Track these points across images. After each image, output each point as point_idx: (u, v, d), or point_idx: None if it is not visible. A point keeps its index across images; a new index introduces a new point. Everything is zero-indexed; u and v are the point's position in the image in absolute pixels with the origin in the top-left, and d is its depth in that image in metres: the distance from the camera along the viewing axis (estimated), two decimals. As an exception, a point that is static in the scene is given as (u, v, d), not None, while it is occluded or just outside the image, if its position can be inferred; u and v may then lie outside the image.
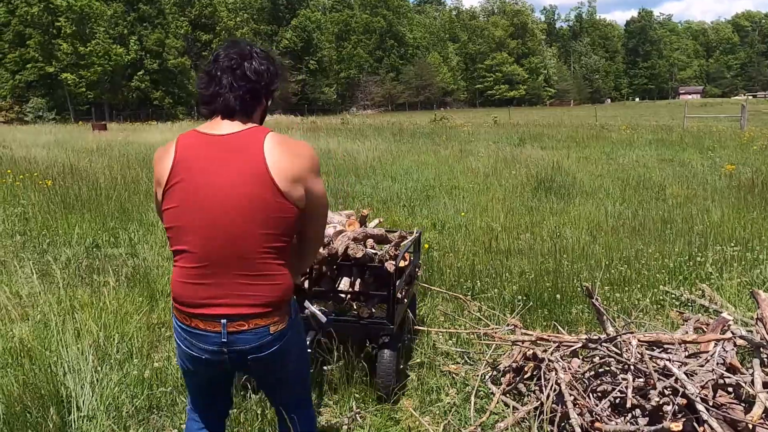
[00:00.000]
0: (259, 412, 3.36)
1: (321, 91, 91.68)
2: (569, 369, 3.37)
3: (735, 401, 3.01)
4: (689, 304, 5.07)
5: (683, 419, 2.81)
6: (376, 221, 4.74)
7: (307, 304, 3.09)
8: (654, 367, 3.04)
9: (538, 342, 3.74)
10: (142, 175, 12.09)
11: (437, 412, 3.63)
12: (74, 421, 3.32)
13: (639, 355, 3.11)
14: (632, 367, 3.07)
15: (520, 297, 5.26)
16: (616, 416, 3.05)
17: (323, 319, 3.24)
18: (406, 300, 4.10)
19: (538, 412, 3.28)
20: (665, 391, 2.89)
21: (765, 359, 3.25)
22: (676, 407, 2.83)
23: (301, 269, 2.56)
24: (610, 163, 14.81)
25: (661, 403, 2.88)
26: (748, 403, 3.01)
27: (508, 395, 3.67)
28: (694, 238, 6.98)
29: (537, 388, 3.52)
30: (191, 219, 2.12)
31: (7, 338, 4.23)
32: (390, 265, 3.62)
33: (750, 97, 68.96)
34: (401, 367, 3.92)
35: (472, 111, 79.21)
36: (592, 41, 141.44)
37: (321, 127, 29.06)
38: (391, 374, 3.64)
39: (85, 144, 20.43)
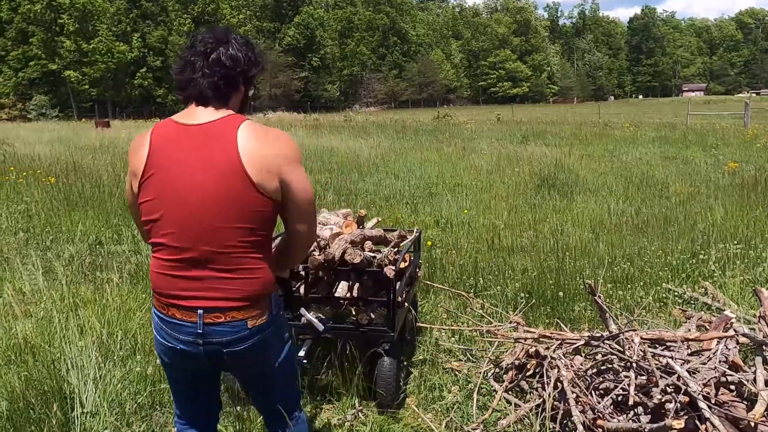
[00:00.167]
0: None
1: (324, 88, 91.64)
2: (572, 366, 3.37)
3: (737, 399, 3.01)
4: (692, 301, 5.07)
5: (685, 417, 2.81)
6: (374, 220, 4.55)
7: (303, 311, 2.97)
8: (656, 364, 3.04)
9: (541, 339, 3.74)
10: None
11: (440, 410, 3.63)
12: (77, 418, 3.33)
13: (641, 353, 3.11)
14: (635, 364, 3.07)
15: (522, 294, 5.26)
16: (619, 414, 3.05)
17: (320, 327, 3.12)
18: (406, 303, 3.97)
19: (540, 410, 3.28)
20: (667, 388, 2.89)
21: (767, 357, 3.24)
22: (679, 405, 2.82)
23: (288, 265, 2.51)
24: (613, 160, 14.79)
25: (663, 400, 2.88)
26: (751, 401, 3.01)
27: (510, 392, 3.68)
28: (696, 236, 6.97)
29: (539, 385, 3.52)
30: (167, 211, 2.09)
31: (10, 335, 4.24)
32: (389, 270, 3.47)
33: (753, 95, 68.83)
34: (402, 374, 3.80)
35: (476, 108, 79.15)
36: (596, 38, 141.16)
37: (324, 125, 29.04)
38: (391, 382, 3.52)
39: (88, 141, 20.45)
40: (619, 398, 3.11)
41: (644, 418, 2.93)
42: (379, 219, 4.57)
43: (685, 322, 4.23)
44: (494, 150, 16.96)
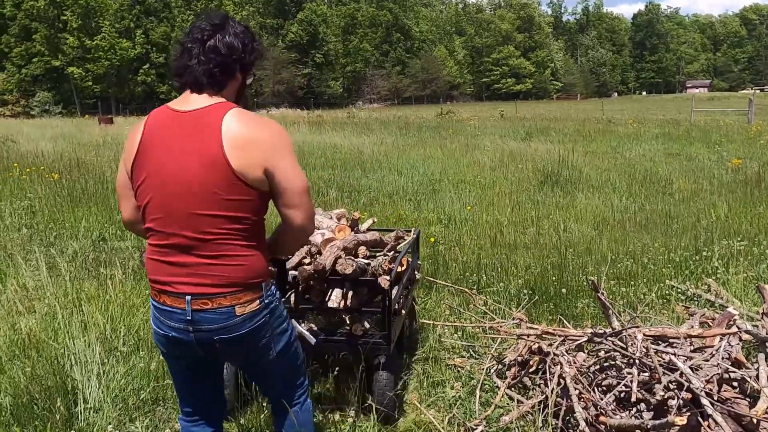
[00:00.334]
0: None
1: (327, 84, 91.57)
2: (574, 363, 3.37)
3: (740, 396, 3.01)
4: (695, 298, 5.06)
5: (688, 413, 2.81)
6: (369, 221, 4.30)
7: (294, 323, 2.84)
8: (659, 361, 3.04)
9: (544, 336, 3.74)
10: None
11: (442, 405, 3.63)
12: (81, 413, 3.35)
13: (644, 350, 3.11)
14: (637, 361, 3.07)
15: (525, 291, 5.26)
16: (621, 410, 3.05)
17: (312, 340, 3.06)
18: (404, 311, 3.78)
19: (542, 406, 3.28)
20: (670, 385, 2.89)
21: (771, 354, 3.24)
22: (681, 401, 2.82)
23: (283, 252, 2.52)
24: (616, 157, 14.76)
25: (665, 397, 2.88)
26: (753, 397, 3.01)
27: (513, 389, 3.68)
28: (700, 233, 6.96)
29: (542, 381, 3.52)
30: (154, 196, 2.11)
31: (15, 330, 4.25)
32: (384, 281, 3.26)
33: (758, 91, 68.64)
34: (400, 384, 3.62)
35: (479, 105, 79.01)
36: (599, 35, 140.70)
37: (327, 121, 29.03)
38: (388, 396, 3.35)
39: (92, 138, 20.49)
40: (622, 395, 3.11)
41: (647, 415, 2.93)
42: (375, 220, 4.39)
43: (688, 319, 4.23)
44: (497, 147, 16.94)
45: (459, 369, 4.05)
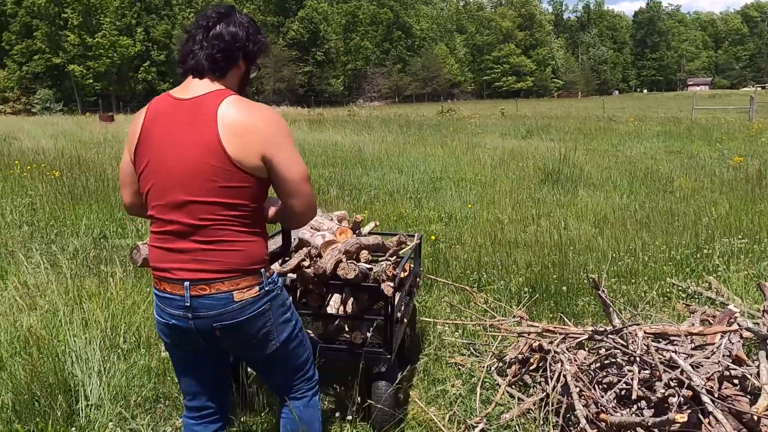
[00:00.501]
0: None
1: (328, 82, 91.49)
2: (575, 361, 3.37)
3: (740, 393, 3.01)
4: (696, 296, 5.06)
5: (688, 411, 2.81)
6: (371, 225, 4.20)
7: None
8: (660, 358, 3.04)
9: (544, 334, 3.74)
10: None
11: (443, 403, 3.64)
12: (82, 410, 3.35)
13: (645, 347, 3.11)
14: (638, 358, 3.07)
15: (526, 289, 5.26)
16: (622, 408, 3.05)
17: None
18: (405, 319, 3.66)
19: (543, 404, 3.28)
20: (671, 382, 2.89)
21: (771, 351, 3.24)
22: (682, 399, 2.82)
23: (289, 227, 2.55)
24: (617, 155, 14.76)
25: (666, 394, 2.88)
26: (754, 395, 3.01)
27: (513, 386, 3.68)
28: (701, 230, 6.96)
29: (543, 379, 3.53)
30: (155, 184, 2.13)
31: (16, 327, 4.25)
32: (388, 288, 3.14)
33: (759, 89, 68.51)
34: (401, 395, 3.54)
35: (480, 103, 78.97)
36: (600, 32, 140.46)
37: (328, 119, 29.02)
38: (388, 407, 3.25)
39: (93, 135, 20.49)
40: (623, 392, 3.11)
41: (647, 412, 2.93)
42: (377, 223, 4.31)
43: (689, 317, 4.23)
44: (498, 144, 16.94)
45: (460, 367, 4.05)
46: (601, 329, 3.40)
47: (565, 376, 3.22)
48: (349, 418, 3.26)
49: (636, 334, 3.21)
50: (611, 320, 3.78)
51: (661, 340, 3.35)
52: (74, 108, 61.49)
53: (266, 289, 2.21)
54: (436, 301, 5.18)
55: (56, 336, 4.06)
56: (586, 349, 3.61)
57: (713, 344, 3.25)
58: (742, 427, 2.83)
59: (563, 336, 3.58)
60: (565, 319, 4.46)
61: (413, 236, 4.16)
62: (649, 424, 2.75)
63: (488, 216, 8.32)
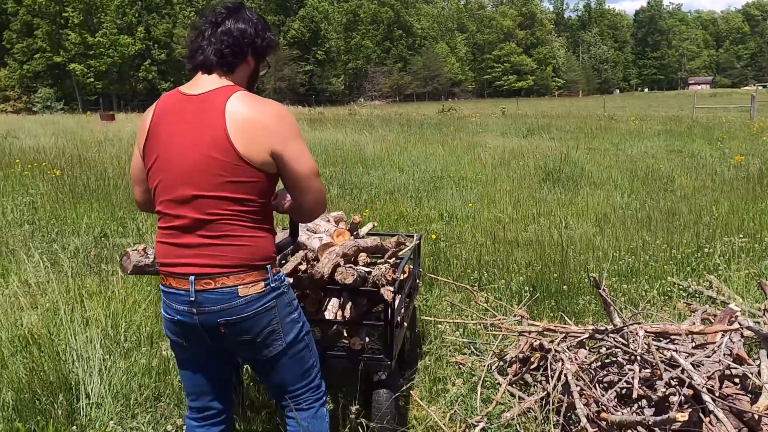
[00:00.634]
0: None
1: (328, 81, 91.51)
2: (576, 360, 3.37)
3: (741, 392, 3.01)
4: (697, 295, 5.06)
5: (689, 410, 2.80)
6: (369, 226, 4.13)
7: None
8: (660, 357, 3.04)
9: (545, 333, 3.74)
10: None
11: (444, 402, 3.64)
12: (82, 408, 3.35)
13: (646, 346, 3.11)
14: (639, 357, 3.07)
15: (527, 288, 5.26)
16: (623, 407, 3.05)
17: None
18: (405, 323, 3.55)
19: (544, 403, 3.28)
20: (671, 381, 2.89)
21: (772, 350, 3.24)
22: (683, 398, 2.82)
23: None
24: (618, 154, 14.75)
25: (667, 393, 2.88)
26: (755, 394, 3.01)
27: (514, 385, 3.68)
28: (702, 229, 6.95)
29: (543, 378, 3.52)
30: (163, 179, 2.14)
31: (16, 326, 4.26)
32: (387, 292, 3.03)
33: (760, 88, 68.33)
34: (402, 402, 3.46)
35: (480, 102, 78.97)
36: (601, 31, 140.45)
37: (328, 118, 29.00)
38: (389, 416, 3.13)
39: (94, 134, 20.49)
40: (623, 391, 3.11)
41: (648, 411, 2.93)
42: (375, 224, 4.24)
43: (690, 316, 4.22)
44: (499, 143, 16.93)
45: (460, 366, 4.05)
46: (602, 328, 3.39)
47: (565, 375, 3.22)
48: (349, 425, 3.22)
49: (637, 333, 3.20)
50: (612, 319, 3.78)
51: (661, 339, 3.35)
52: (75, 107, 61.57)
53: (272, 285, 2.19)
54: (437, 300, 5.18)
55: (57, 334, 4.06)
56: (587, 348, 3.61)
57: (714, 343, 3.25)
58: (742, 426, 2.83)
59: (564, 335, 3.58)
60: (566, 318, 4.46)
61: (412, 237, 4.07)
62: (650, 422, 2.75)
63: (489, 215, 8.32)
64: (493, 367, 3.90)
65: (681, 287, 5.26)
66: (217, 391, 2.42)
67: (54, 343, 3.87)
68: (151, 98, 68.21)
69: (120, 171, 11.29)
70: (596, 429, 2.93)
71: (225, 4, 2.22)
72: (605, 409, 2.99)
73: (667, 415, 2.68)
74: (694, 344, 3.34)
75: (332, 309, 3.19)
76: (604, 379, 3.23)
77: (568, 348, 3.48)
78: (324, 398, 2.49)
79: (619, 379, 3.12)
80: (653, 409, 2.94)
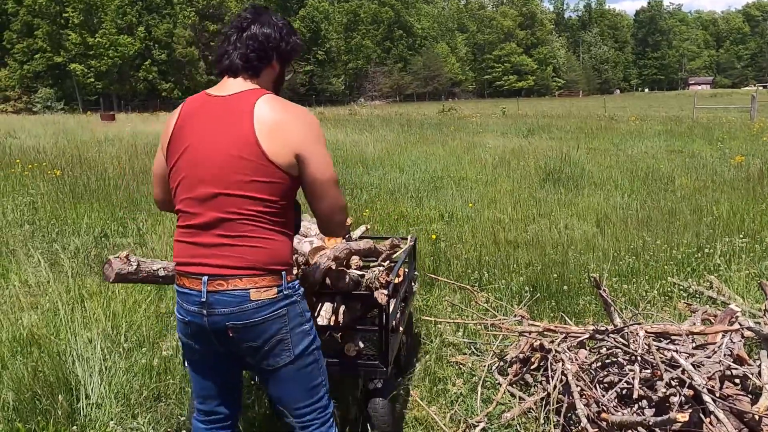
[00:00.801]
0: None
1: (329, 81, 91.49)
2: (576, 360, 3.37)
3: (742, 392, 3.01)
4: (697, 295, 5.06)
5: (690, 410, 2.80)
6: (362, 228, 4.08)
7: None
8: (661, 358, 3.04)
9: (545, 333, 3.74)
10: (150, 165, 12.09)
11: (444, 402, 3.64)
12: (83, 409, 3.35)
13: (646, 346, 3.11)
14: (639, 358, 3.07)
15: (527, 288, 5.26)
16: (623, 407, 3.05)
17: None
18: (401, 328, 3.47)
19: (544, 403, 3.28)
20: (672, 382, 2.89)
21: (773, 351, 3.24)
22: (683, 398, 2.82)
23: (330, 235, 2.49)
24: (618, 154, 14.74)
25: (667, 394, 2.88)
26: (755, 394, 3.01)
27: (514, 386, 3.68)
28: (702, 230, 6.95)
29: (544, 378, 3.52)
30: (185, 178, 2.15)
31: (16, 326, 4.26)
32: (381, 296, 2.95)
33: (760, 88, 68.42)
34: (399, 407, 3.41)
35: (481, 102, 78.95)
36: (601, 31, 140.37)
37: (329, 118, 29.01)
38: (386, 425, 3.06)
39: (94, 134, 20.50)
40: (624, 392, 3.11)
41: (648, 412, 2.93)
42: (368, 226, 4.20)
43: (690, 316, 4.22)
44: (499, 144, 16.93)
45: (460, 366, 4.05)
46: (603, 328, 3.39)
47: (566, 375, 3.22)
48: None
49: (637, 334, 3.21)
50: (612, 319, 3.78)
51: (662, 339, 3.35)
52: (75, 107, 61.58)
53: (285, 293, 2.16)
54: (437, 300, 5.18)
55: (57, 335, 4.06)
56: (588, 348, 3.61)
57: (714, 344, 3.25)
58: (743, 427, 2.83)
59: (564, 335, 3.58)
60: (566, 318, 4.46)
61: (406, 239, 4.02)
62: (651, 423, 2.75)
63: (489, 215, 8.32)
64: (494, 368, 3.90)
65: (681, 287, 5.26)
66: (224, 395, 2.40)
67: (54, 344, 3.87)
68: (152, 98, 68.61)
69: (120, 171, 11.29)
70: (597, 429, 2.93)
71: (250, 9, 2.26)
72: (606, 409, 2.99)
73: (667, 416, 2.68)
74: (694, 345, 3.34)
75: (325, 314, 3.09)
76: (605, 380, 3.23)
77: (568, 348, 3.48)
78: (331, 420, 2.40)
79: (620, 380, 3.12)
80: (654, 409, 2.94)
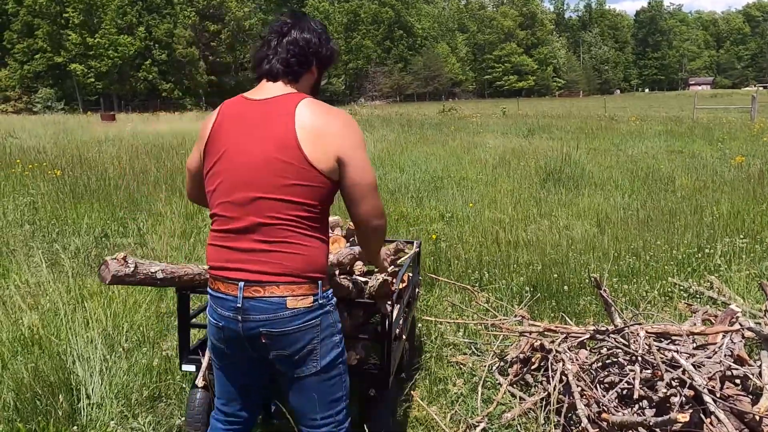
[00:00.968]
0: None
1: (329, 82, 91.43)
2: (576, 360, 3.37)
3: (742, 393, 3.01)
4: (697, 295, 5.06)
5: (690, 411, 2.80)
6: None
7: None
8: (661, 358, 3.04)
9: (546, 333, 3.74)
10: (150, 165, 12.13)
11: (444, 402, 3.64)
12: (83, 409, 3.35)
13: (646, 347, 3.11)
14: (640, 358, 3.07)
15: (527, 288, 5.26)
16: (623, 407, 3.05)
17: None
18: (404, 335, 3.42)
19: (544, 403, 3.28)
20: (672, 382, 2.88)
21: (773, 351, 3.24)
22: (683, 398, 2.82)
23: (369, 252, 2.46)
24: (619, 154, 14.74)
25: (668, 394, 2.87)
26: (756, 394, 3.01)
27: (515, 386, 3.68)
28: (702, 230, 6.95)
29: (544, 378, 3.52)
30: (223, 182, 2.13)
31: (17, 326, 4.25)
32: (385, 306, 2.90)
33: (761, 88, 68.43)
34: (398, 412, 3.37)
35: (481, 102, 78.93)
36: (602, 31, 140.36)
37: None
38: (387, 425, 2.99)
39: (94, 134, 20.50)
40: (624, 392, 3.11)
41: (649, 412, 2.93)
42: None
43: (691, 316, 4.22)
44: (499, 144, 16.93)
45: (461, 366, 4.05)
46: (603, 329, 3.39)
47: (566, 375, 3.22)
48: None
49: (638, 334, 3.20)
50: (613, 320, 3.78)
51: (662, 339, 3.34)
52: (75, 107, 61.60)
53: (320, 302, 2.14)
54: (438, 301, 5.18)
55: (58, 335, 4.06)
56: (588, 348, 3.61)
57: (715, 344, 3.25)
58: (743, 427, 2.83)
59: (565, 335, 3.58)
60: (567, 318, 4.46)
61: (412, 243, 3.96)
62: (651, 423, 2.75)
63: (489, 215, 8.32)
64: (494, 368, 3.90)
65: (682, 288, 5.26)
66: (248, 399, 2.38)
67: (54, 344, 3.87)
68: (152, 98, 68.66)
69: (120, 171, 11.29)
70: (597, 429, 2.93)
71: (289, 14, 2.27)
72: (606, 409, 2.99)
73: (668, 416, 2.68)
74: (695, 345, 3.34)
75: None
76: (605, 380, 3.23)
77: (568, 348, 3.48)
78: None
79: (620, 380, 3.12)
80: (654, 409, 2.93)
